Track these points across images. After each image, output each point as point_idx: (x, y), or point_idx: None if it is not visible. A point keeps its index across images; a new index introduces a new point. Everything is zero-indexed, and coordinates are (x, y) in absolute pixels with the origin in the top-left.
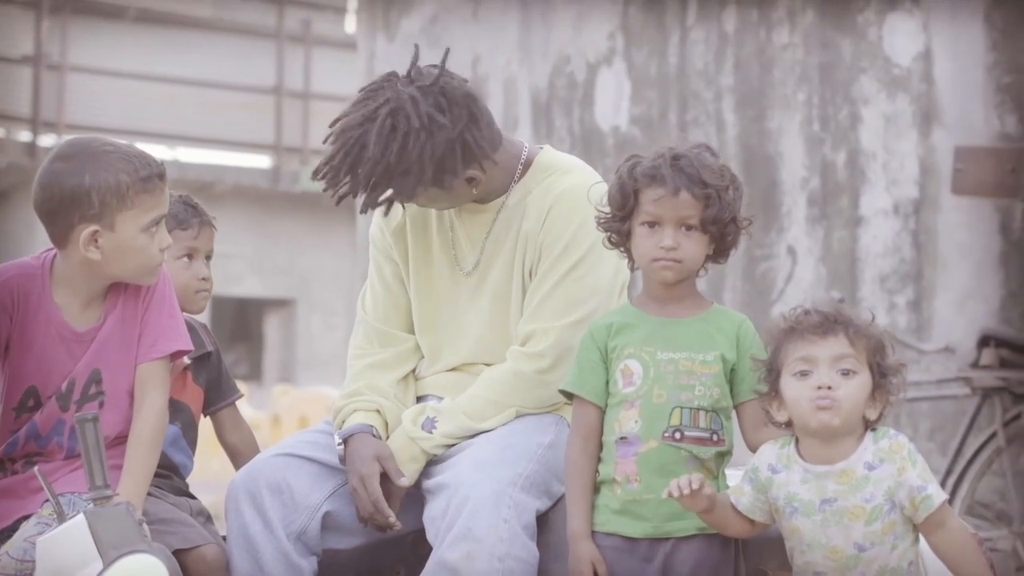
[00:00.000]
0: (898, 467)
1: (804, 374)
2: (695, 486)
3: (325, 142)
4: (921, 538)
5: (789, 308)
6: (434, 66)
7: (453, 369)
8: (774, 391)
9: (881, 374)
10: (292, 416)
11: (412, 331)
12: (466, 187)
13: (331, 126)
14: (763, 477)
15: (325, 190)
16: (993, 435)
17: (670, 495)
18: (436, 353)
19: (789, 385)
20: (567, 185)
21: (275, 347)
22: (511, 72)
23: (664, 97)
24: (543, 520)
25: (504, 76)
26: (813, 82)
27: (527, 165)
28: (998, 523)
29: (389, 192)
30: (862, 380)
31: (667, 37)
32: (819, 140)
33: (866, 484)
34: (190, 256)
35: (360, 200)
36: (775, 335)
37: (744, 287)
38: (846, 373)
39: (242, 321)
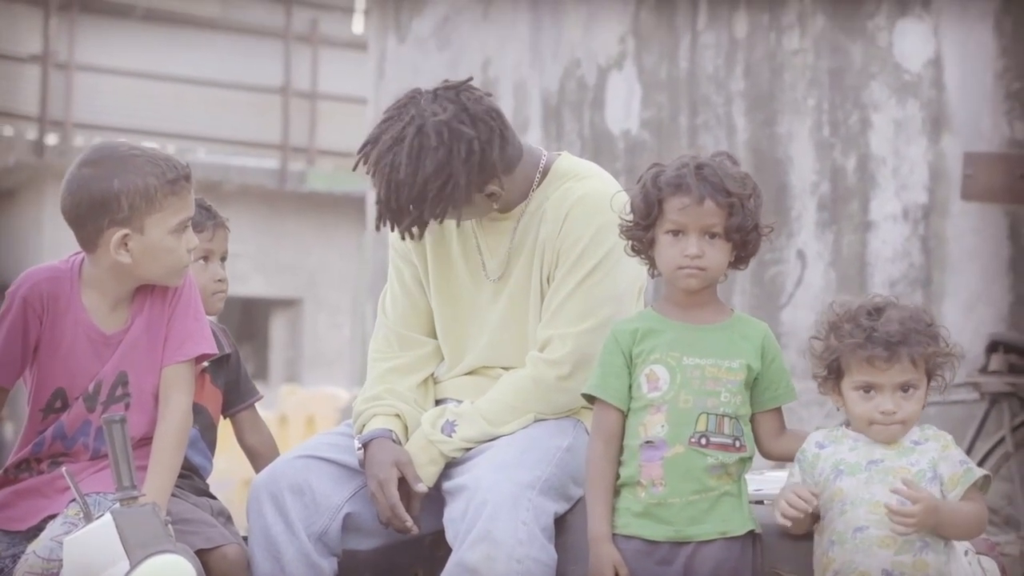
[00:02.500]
0: (942, 445)
1: (867, 391)
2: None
3: (357, 167)
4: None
5: (849, 311)
6: (454, 84)
7: (471, 372)
8: (833, 383)
9: (936, 369)
10: (299, 416)
11: (431, 335)
12: (486, 201)
13: (361, 151)
14: (810, 455)
15: (393, 229)
16: (1001, 440)
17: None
18: (458, 357)
19: (851, 397)
20: (584, 191)
21: (281, 347)
22: (521, 74)
23: (674, 101)
24: (561, 523)
25: (514, 78)
26: (823, 87)
27: (545, 172)
28: (1006, 528)
29: (417, 214)
30: (922, 392)
31: (678, 41)
32: (829, 145)
33: (912, 453)
34: (206, 258)
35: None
36: (835, 341)
37: (753, 291)
38: (907, 390)
39: (248, 320)
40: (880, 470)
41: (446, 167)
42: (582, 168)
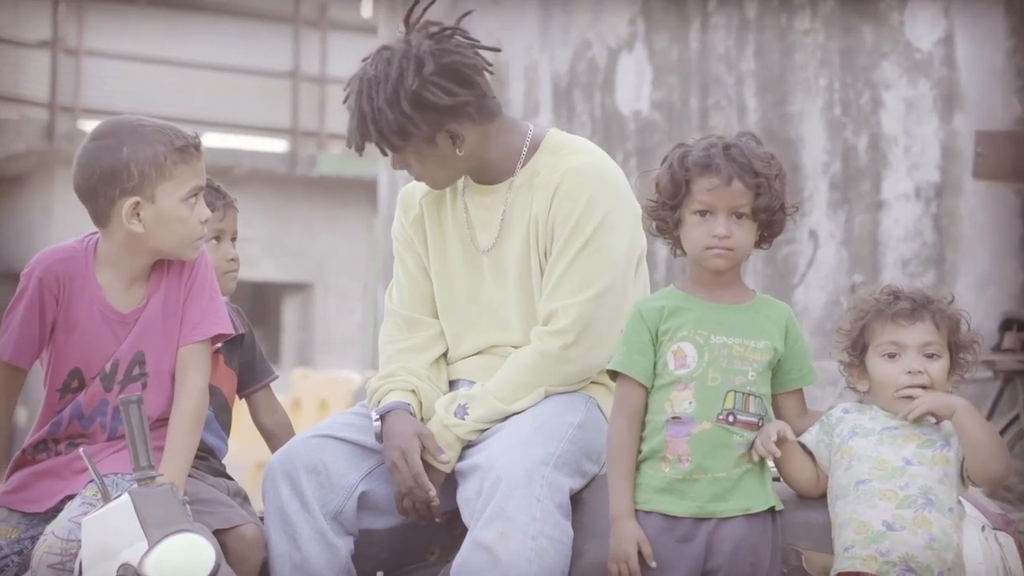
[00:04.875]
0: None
1: (892, 356)
2: (774, 439)
3: (345, 101)
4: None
5: (873, 287)
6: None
7: (481, 352)
8: (858, 362)
9: (957, 351)
10: (312, 400)
11: (438, 316)
12: (451, 147)
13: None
14: (835, 418)
15: (352, 147)
16: (1015, 418)
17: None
18: (459, 335)
19: (877, 365)
20: (571, 164)
21: (292, 331)
22: (532, 57)
23: (685, 82)
24: (577, 500)
25: (525, 61)
26: (834, 67)
27: (533, 147)
28: (1020, 505)
29: (380, 136)
30: (945, 362)
31: (688, 22)
32: (840, 125)
33: (927, 425)
34: (218, 238)
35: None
36: (861, 311)
37: (766, 271)
38: (931, 356)
39: (259, 305)
40: (892, 435)
41: (397, 86)
42: (570, 143)
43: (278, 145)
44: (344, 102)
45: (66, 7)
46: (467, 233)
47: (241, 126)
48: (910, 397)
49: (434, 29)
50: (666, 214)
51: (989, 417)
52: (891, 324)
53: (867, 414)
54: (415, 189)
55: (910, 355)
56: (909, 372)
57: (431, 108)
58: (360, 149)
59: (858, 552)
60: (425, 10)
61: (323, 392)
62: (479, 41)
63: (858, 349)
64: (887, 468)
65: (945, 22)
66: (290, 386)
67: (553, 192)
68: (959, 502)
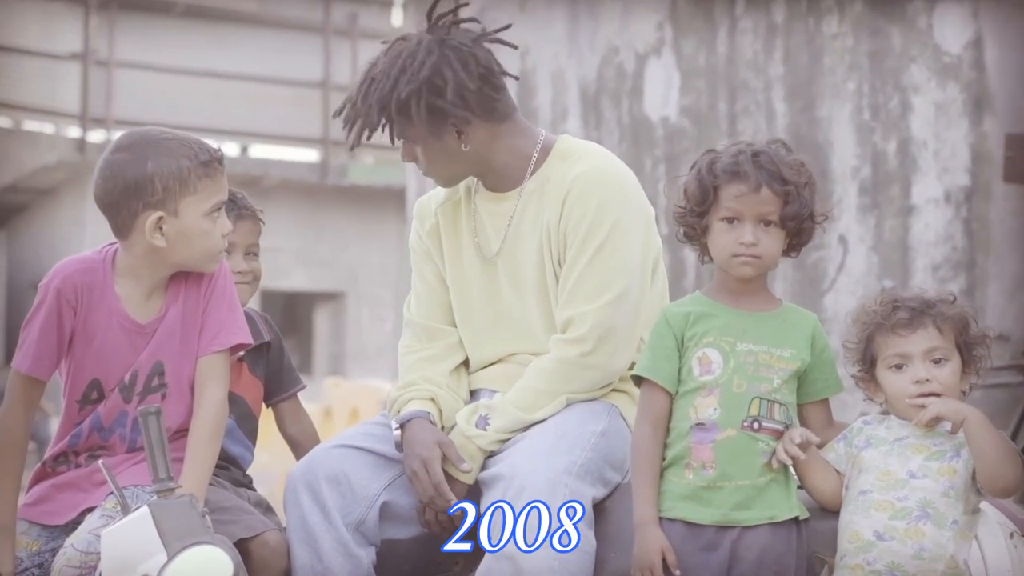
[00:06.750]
0: None
1: (900, 367)
2: (798, 442)
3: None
4: (979, 544)
5: (874, 297)
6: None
7: (502, 360)
8: (869, 376)
9: (968, 349)
10: (343, 408)
11: (456, 325)
12: (456, 142)
13: None
14: (855, 428)
15: (344, 129)
16: None
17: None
18: (477, 342)
19: (886, 377)
20: (580, 170)
21: (324, 340)
22: (559, 64)
23: (713, 87)
24: (600, 509)
25: (552, 68)
26: (863, 71)
27: (544, 153)
28: None
29: (387, 124)
30: (954, 364)
31: (716, 27)
32: (870, 129)
33: (939, 435)
34: (228, 251)
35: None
36: (865, 325)
37: (796, 276)
38: (938, 362)
39: (291, 314)
40: (901, 445)
41: (408, 73)
42: (580, 148)
43: (309, 155)
44: (357, 88)
45: (97, 19)
46: (479, 239)
47: (272, 136)
48: (923, 406)
49: (453, 20)
50: (694, 220)
51: (1020, 423)
52: (893, 335)
53: (883, 424)
54: (430, 200)
55: (916, 364)
56: (916, 381)
57: (438, 93)
58: (357, 141)
59: (848, 561)
60: (454, 11)
61: (354, 401)
62: (498, 36)
63: (867, 363)
64: (890, 480)
65: (974, 25)
66: (321, 395)
67: (563, 198)
68: (975, 511)
